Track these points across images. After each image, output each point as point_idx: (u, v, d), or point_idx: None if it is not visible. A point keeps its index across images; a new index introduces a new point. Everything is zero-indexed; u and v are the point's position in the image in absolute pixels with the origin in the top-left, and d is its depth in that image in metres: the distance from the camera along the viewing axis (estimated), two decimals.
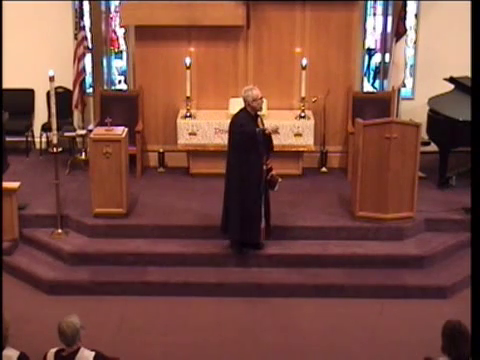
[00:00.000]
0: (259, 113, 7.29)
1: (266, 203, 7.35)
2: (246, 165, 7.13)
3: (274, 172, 7.29)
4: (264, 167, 7.20)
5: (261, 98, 7.16)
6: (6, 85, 9.74)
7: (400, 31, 9.30)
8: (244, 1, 8.93)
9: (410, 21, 9.84)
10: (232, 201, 7.26)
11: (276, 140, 8.68)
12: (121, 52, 10.22)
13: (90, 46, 9.53)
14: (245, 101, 7.15)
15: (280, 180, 7.29)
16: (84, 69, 9.57)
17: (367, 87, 10.30)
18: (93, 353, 4.65)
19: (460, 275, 7.29)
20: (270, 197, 7.41)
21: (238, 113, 7.29)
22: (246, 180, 7.15)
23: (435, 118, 8.85)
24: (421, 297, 7.11)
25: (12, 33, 9.78)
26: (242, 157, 7.12)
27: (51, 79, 7.43)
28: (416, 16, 9.95)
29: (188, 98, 8.94)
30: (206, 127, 8.90)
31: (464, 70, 8.85)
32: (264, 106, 8.76)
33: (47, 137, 9.69)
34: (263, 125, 7.27)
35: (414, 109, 9.65)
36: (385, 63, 9.92)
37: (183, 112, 9.07)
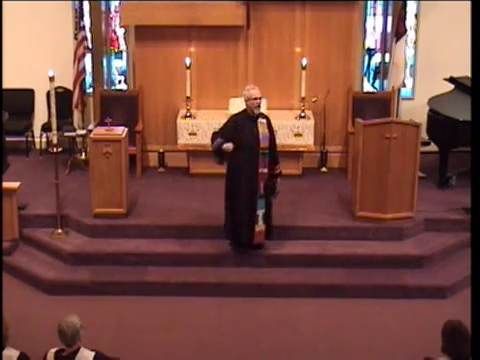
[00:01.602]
0: (259, 113, 7.23)
1: (267, 205, 7.33)
2: (235, 168, 7.17)
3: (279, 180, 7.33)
4: (261, 170, 7.14)
5: (256, 98, 7.08)
6: (6, 85, 9.74)
7: (400, 31, 9.30)
8: (244, 1, 8.93)
9: (410, 21, 9.84)
10: (226, 203, 7.32)
11: (276, 140, 8.71)
12: (121, 52, 10.22)
13: (90, 46, 9.53)
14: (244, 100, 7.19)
15: (277, 190, 7.31)
16: (84, 69, 9.57)
17: (367, 87, 10.30)
18: (93, 353, 4.65)
19: (460, 275, 7.29)
20: (272, 199, 7.40)
21: (237, 114, 7.32)
22: (235, 182, 7.18)
23: (435, 118, 8.85)
24: (421, 297, 7.11)
25: (12, 33, 9.79)
26: (230, 160, 7.21)
27: (51, 79, 7.43)
28: (416, 16, 9.95)
29: (188, 98, 8.94)
30: (206, 127, 8.90)
31: (464, 70, 8.85)
32: (263, 106, 8.78)
33: (47, 137, 9.69)
34: (268, 127, 7.19)
35: (414, 109, 9.66)
36: (385, 63, 9.92)
37: (183, 112, 9.07)
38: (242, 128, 7.11)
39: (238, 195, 7.22)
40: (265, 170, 7.18)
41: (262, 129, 7.16)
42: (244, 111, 7.22)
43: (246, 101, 7.13)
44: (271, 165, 7.24)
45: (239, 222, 7.28)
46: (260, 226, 7.31)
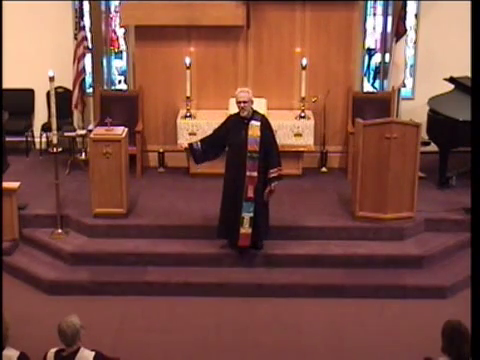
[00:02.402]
0: (253, 116, 7.16)
1: (256, 209, 7.23)
2: (226, 169, 7.20)
3: (273, 186, 7.23)
4: (249, 173, 7.08)
5: (239, 102, 7.03)
6: (6, 85, 9.74)
7: (400, 31, 9.30)
8: (244, 1, 8.93)
9: (410, 21, 9.84)
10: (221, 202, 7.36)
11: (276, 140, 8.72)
12: (121, 52, 10.22)
13: (90, 46, 9.53)
14: None
15: (268, 192, 7.24)
16: (84, 69, 9.57)
17: (367, 87, 10.30)
18: (93, 353, 4.65)
19: (460, 275, 7.29)
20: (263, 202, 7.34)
21: (233, 114, 7.33)
22: (225, 183, 7.23)
23: (435, 118, 8.85)
24: (421, 297, 7.11)
25: (12, 33, 9.79)
26: (225, 161, 7.23)
27: (51, 79, 7.43)
28: (416, 16, 9.95)
29: (188, 98, 8.94)
30: (206, 127, 8.89)
31: (464, 70, 8.85)
32: (263, 106, 8.80)
33: (47, 137, 9.69)
34: (263, 130, 7.10)
35: (414, 109, 9.66)
36: (385, 63, 9.92)
37: (183, 112, 9.07)
38: (231, 129, 7.12)
39: (226, 196, 7.26)
40: (254, 173, 7.10)
41: (252, 132, 7.07)
42: (237, 113, 7.23)
43: (235, 103, 7.15)
44: (267, 169, 7.15)
45: (227, 222, 7.30)
46: (246, 229, 7.24)
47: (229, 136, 7.14)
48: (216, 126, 8.60)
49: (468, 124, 7.53)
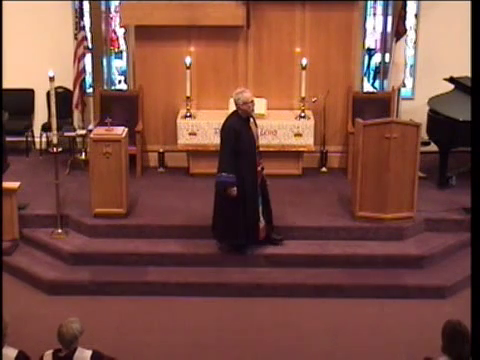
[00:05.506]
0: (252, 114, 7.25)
1: (264, 200, 7.36)
2: (238, 173, 7.08)
3: (265, 172, 7.34)
4: (258, 168, 7.19)
5: (252, 101, 7.07)
6: (6, 85, 9.75)
7: (400, 31, 9.30)
8: (244, 1, 8.93)
9: (410, 21, 9.84)
10: (226, 208, 7.27)
11: (276, 140, 8.75)
12: (121, 52, 10.21)
13: (90, 46, 9.52)
14: (236, 104, 7.13)
15: (268, 183, 7.35)
16: (84, 69, 9.58)
17: (367, 87, 10.30)
18: (90, 352, 4.65)
19: (460, 275, 7.29)
20: (270, 196, 7.43)
21: (229, 117, 7.27)
22: (239, 187, 7.10)
23: (435, 118, 8.85)
24: (421, 297, 7.11)
25: (12, 33, 9.78)
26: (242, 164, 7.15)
27: (51, 79, 7.43)
28: (416, 16, 9.95)
29: (188, 98, 8.94)
30: (206, 127, 8.90)
31: (464, 70, 8.85)
32: (263, 106, 8.81)
33: (47, 137, 9.69)
34: (256, 126, 7.27)
35: (414, 109, 9.65)
36: (385, 63, 9.92)
37: (183, 112, 9.07)
38: (240, 134, 7.07)
39: (244, 198, 7.15)
40: (259, 167, 7.26)
41: (254, 128, 7.21)
42: (235, 115, 7.20)
43: (241, 105, 7.05)
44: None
45: (245, 223, 7.24)
46: (262, 222, 7.36)
47: (240, 140, 7.06)
48: (216, 126, 8.64)
49: (468, 124, 7.52)
